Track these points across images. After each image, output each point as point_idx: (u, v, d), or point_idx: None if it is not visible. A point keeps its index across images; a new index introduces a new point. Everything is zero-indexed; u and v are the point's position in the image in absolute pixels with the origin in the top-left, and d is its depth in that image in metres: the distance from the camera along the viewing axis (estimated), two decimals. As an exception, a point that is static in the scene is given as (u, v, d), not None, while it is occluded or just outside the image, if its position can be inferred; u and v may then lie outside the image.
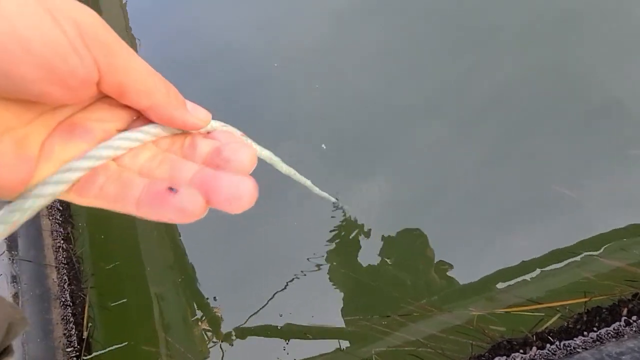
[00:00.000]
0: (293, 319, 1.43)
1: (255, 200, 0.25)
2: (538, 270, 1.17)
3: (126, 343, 1.49)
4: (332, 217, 1.53)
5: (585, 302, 1.04)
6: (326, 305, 1.43)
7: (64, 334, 1.39)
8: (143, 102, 0.26)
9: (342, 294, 1.43)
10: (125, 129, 0.27)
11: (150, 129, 0.27)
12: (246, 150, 0.26)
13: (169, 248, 1.65)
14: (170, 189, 0.24)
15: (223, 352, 1.45)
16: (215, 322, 1.52)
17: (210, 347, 1.46)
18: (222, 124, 0.34)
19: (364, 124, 1.61)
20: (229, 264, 1.55)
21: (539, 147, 1.45)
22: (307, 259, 1.48)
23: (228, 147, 0.27)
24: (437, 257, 1.36)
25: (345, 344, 1.36)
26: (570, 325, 1.02)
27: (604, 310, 1.00)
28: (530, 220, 1.35)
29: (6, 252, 1.35)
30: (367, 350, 1.31)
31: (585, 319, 1.00)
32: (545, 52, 1.60)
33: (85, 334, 1.43)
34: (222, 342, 1.45)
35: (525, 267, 1.19)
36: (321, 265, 1.47)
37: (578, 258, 1.20)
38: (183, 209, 0.23)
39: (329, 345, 1.37)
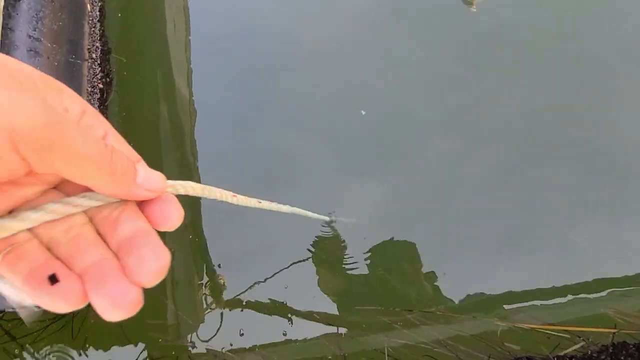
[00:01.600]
0: (298, 298, 1.44)
1: (137, 309, 0.24)
2: (569, 296, 1.18)
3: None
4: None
5: (613, 333, 1.04)
6: (337, 290, 1.44)
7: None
8: (83, 183, 0.25)
9: (358, 282, 1.44)
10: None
11: (79, 200, 0.26)
12: (155, 262, 0.25)
13: (187, 207, 1.66)
14: (51, 278, 0.24)
15: (222, 320, 1.46)
16: (217, 289, 1.54)
17: (208, 313, 1.48)
18: (184, 184, 0.33)
19: (377, 129, 1.61)
20: (240, 235, 1.56)
21: (544, 180, 1.45)
22: (312, 245, 1.49)
23: (138, 253, 0.25)
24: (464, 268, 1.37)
25: (357, 332, 1.37)
26: (594, 355, 1.03)
27: (631, 346, 1.01)
28: (553, 249, 1.36)
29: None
30: (380, 341, 1.32)
31: (610, 350, 1.01)
32: (570, 95, 1.58)
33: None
34: (224, 309, 1.47)
35: (555, 291, 1.20)
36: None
37: (605, 293, 1.21)
38: (57, 302, 0.24)
39: (334, 329, 1.39)
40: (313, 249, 1.49)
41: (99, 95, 1.56)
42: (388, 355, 1.26)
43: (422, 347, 1.23)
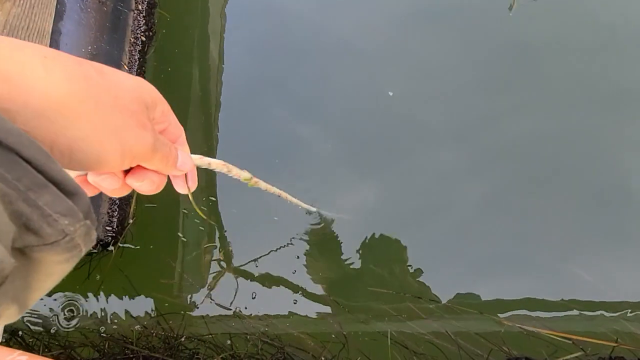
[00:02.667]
0: (304, 275, 1.48)
1: None
2: (571, 311, 1.22)
3: (151, 247, 1.54)
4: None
5: (613, 347, 1.09)
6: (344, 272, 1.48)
7: (107, 213, 1.43)
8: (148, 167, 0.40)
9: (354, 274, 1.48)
10: None
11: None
12: None
13: (204, 171, 1.69)
14: None
15: (238, 286, 1.49)
16: (227, 255, 1.57)
17: (215, 277, 1.51)
18: (207, 161, 0.49)
19: (386, 129, 1.62)
20: (253, 204, 1.58)
21: (541, 209, 1.46)
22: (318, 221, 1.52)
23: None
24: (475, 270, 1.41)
25: (361, 316, 1.41)
26: (591, 363, 1.07)
27: (628, 361, 1.06)
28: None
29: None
30: (383, 325, 1.36)
31: (608, 363, 1.05)
32: (585, 127, 1.57)
33: (128, 220, 1.47)
34: (233, 275, 1.50)
35: (563, 304, 1.25)
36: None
37: (615, 313, 1.26)
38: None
39: (337, 309, 1.42)
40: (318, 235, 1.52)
41: (140, 47, 1.57)
42: (391, 339, 1.30)
43: (423, 337, 1.28)
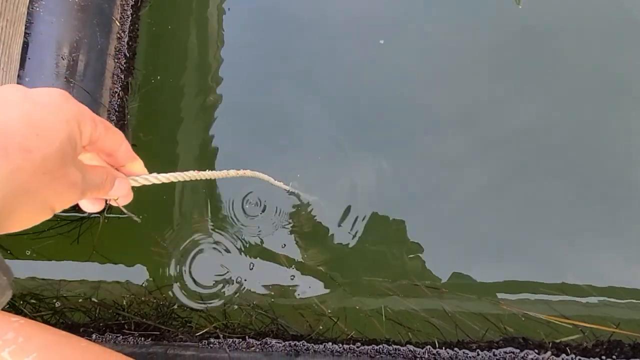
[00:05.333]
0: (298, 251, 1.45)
1: None
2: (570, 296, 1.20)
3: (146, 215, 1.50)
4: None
5: (612, 332, 1.07)
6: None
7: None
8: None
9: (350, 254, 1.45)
10: None
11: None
12: None
13: (202, 141, 1.63)
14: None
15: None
16: (223, 227, 1.53)
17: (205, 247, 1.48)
18: (146, 177, 0.50)
19: (388, 109, 1.56)
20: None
21: (541, 195, 1.42)
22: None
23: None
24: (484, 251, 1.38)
25: (357, 293, 1.39)
26: (589, 347, 1.06)
27: (626, 345, 1.04)
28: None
29: (67, 73, 1.29)
30: (378, 303, 1.34)
31: (605, 346, 1.04)
32: (591, 117, 1.51)
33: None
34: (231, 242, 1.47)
35: (566, 287, 1.22)
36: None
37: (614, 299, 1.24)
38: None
39: (333, 286, 1.40)
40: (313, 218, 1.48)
41: (132, 3, 1.46)
42: (386, 317, 1.29)
43: (419, 315, 1.26)
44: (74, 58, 1.30)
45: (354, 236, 1.44)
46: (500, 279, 1.35)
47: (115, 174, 0.43)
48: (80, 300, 1.40)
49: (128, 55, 1.51)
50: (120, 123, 1.49)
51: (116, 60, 1.46)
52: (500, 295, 1.31)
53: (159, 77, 1.60)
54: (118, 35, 1.47)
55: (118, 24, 1.44)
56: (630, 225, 1.37)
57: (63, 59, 1.28)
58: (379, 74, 1.60)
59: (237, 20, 1.68)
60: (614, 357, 1.01)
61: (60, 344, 0.47)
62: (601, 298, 1.22)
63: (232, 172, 0.74)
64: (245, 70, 1.65)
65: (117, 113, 1.45)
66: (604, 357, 1.01)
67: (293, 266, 1.39)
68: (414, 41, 1.62)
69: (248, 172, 0.83)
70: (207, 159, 1.61)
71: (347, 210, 1.47)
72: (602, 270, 1.30)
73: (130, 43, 1.51)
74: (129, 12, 1.42)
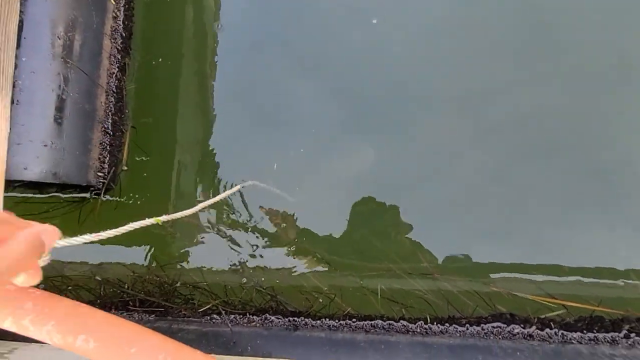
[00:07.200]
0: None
1: None
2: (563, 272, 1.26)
3: (144, 198, 1.52)
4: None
5: (594, 309, 1.14)
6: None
7: (99, 158, 1.39)
8: None
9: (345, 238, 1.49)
10: None
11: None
12: None
13: (201, 124, 1.63)
14: None
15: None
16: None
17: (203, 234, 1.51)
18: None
19: (384, 92, 1.55)
20: (248, 159, 1.56)
21: (536, 179, 1.45)
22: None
23: None
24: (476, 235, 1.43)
25: (353, 273, 1.44)
26: (571, 322, 1.12)
27: (606, 321, 1.11)
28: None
29: (63, 53, 1.28)
30: (374, 283, 1.40)
31: (587, 321, 1.10)
32: (589, 101, 1.52)
33: (121, 168, 1.43)
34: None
35: (556, 268, 1.28)
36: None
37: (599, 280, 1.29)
38: None
39: (330, 268, 1.45)
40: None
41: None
42: (381, 295, 1.34)
43: (413, 293, 1.31)
44: (69, 38, 1.29)
45: (349, 222, 1.47)
46: (491, 260, 1.41)
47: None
48: (84, 279, 1.44)
49: (124, 35, 1.49)
50: (119, 105, 1.49)
51: (112, 40, 1.44)
52: (492, 276, 1.36)
53: (159, 60, 1.59)
54: (114, 14, 1.44)
55: (113, 2, 1.42)
56: (616, 208, 1.42)
57: (59, 39, 1.26)
58: (371, 55, 1.59)
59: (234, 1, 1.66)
60: (594, 330, 1.08)
61: (77, 314, 0.50)
62: (586, 279, 1.28)
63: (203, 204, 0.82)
64: (241, 52, 1.63)
65: (115, 95, 1.45)
66: (585, 331, 1.08)
67: (293, 247, 1.43)
68: (408, 20, 1.60)
69: (229, 191, 0.88)
70: (205, 142, 1.62)
71: (343, 194, 1.50)
72: (587, 252, 1.35)
73: (126, 22, 1.49)
74: (124, -10, 1.39)
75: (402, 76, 1.58)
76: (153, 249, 1.46)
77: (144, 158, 1.54)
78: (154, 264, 1.46)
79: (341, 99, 1.58)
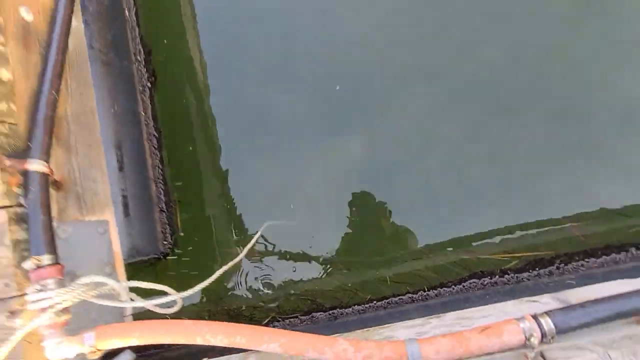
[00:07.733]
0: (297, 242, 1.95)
1: None
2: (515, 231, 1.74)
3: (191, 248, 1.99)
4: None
5: (536, 255, 1.63)
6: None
7: (162, 231, 1.86)
8: None
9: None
10: None
11: None
12: None
13: (217, 180, 2.09)
14: None
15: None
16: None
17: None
18: None
19: (357, 79, 1.73)
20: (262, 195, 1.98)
21: (524, 138, 1.70)
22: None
23: None
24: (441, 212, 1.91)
25: (359, 269, 1.91)
26: (521, 267, 1.61)
27: (545, 260, 1.60)
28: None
29: (119, 165, 1.74)
30: (381, 272, 1.87)
31: (532, 264, 1.59)
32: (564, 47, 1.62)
33: (178, 233, 1.90)
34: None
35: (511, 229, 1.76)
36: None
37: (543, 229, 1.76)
38: None
39: (347, 269, 1.92)
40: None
41: None
42: (390, 280, 1.82)
43: (412, 272, 1.79)
44: (122, 152, 1.76)
45: (349, 222, 1.93)
46: (466, 232, 1.88)
47: None
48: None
49: (156, 134, 1.97)
50: (166, 188, 1.96)
51: (149, 142, 1.92)
52: (471, 245, 1.83)
53: (190, 148, 2.06)
54: (145, 123, 1.92)
55: (143, 113, 1.89)
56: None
57: (117, 155, 1.73)
58: (337, 38, 1.73)
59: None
60: (537, 269, 1.56)
61: (225, 327, 0.98)
62: (530, 231, 1.76)
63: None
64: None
65: (162, 181, 1.93)
66: (531, 271, 1.56)
67: (321, 259, 1.91)
68: (360, 5, 1.74)
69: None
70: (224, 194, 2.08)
71: (341, 195, 1.87)
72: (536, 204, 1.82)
73: (154, 126, 1.96)
74: None
75: (368, 61, 1.76)
76: (219, 287, 1.93)
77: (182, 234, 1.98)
78: (212, 298, 1.92)
79: (314, 99, 1.84)
